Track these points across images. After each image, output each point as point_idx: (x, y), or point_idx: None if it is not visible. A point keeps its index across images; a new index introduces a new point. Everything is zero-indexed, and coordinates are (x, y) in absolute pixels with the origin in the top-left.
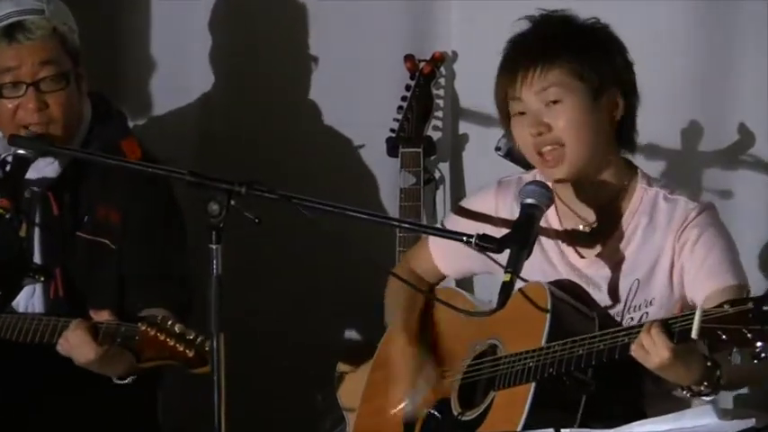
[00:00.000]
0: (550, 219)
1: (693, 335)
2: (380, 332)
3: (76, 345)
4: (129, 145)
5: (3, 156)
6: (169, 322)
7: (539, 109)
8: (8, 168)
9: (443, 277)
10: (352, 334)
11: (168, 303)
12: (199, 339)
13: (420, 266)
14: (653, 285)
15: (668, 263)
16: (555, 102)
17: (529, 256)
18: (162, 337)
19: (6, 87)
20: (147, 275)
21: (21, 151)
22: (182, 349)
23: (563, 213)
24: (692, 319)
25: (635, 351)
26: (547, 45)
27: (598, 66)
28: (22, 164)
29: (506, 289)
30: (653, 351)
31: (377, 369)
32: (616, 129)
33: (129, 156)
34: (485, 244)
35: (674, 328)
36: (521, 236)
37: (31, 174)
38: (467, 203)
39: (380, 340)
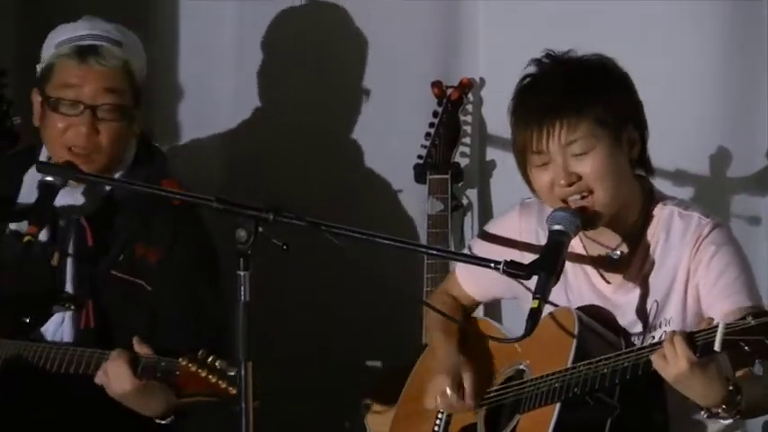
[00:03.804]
0: (575, 246)
1: (716, 347)
2: (408, 359)
3: (114, 375)
4: (169, 184)
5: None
6: (209, 358)
7: (564, 160)
8: (36, 196)
9: (476, 302)
10: (379, 362)
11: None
12: None
13: (453, 291)
14: (670, 304)
15: (683, 280)
16: (583, 152)
17: (557, 282)
18: (203, 374)
19: (64, 104)
20: (182, 321)
21: (48, 178)
22: (224, 386)
23: (588, 242)
24: (715, 332)
25: (655, 361)
26: (569, 97)
27: (617, 108)
28: (50, 191)
29: (534, 315)
30: (672, 361)
31: (415, 383)
32: (634, 162)
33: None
34: (513, 270)
35: (697, 341)
36: (549, 262)
37: (65, 200)
38: (491, 228)
39: (419, 359)
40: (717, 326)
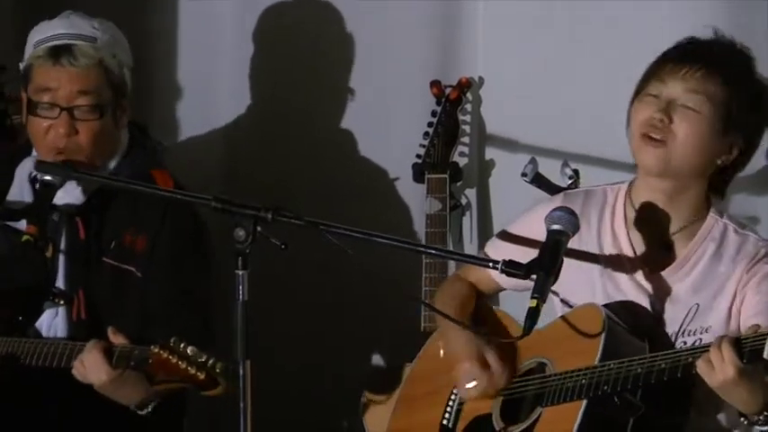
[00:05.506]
0: (620, 236)
1: (766, 355)
2: (406, 357)
3: (90, 367)
4: (160, 174)
5: (34, 173)
6: (181, 345)
7: (673, 103)
8: (35, 195)
9: (499, 288)
10: (377, 361)
11: (189, 335)
12: (210, 362)
13: (475, 275)
14: (712, 313)
15: (731, 293)
16: (692, 108)
17: (555, 282)
18: (174, 360)
19: (42, 107)
20: (170, 306)
21: (47, 177)
22: (193, 372)
23: (637, 229)
24: (765, 339)
25: (700, 366)
26: (722, 61)
27: (744, 112)
28: (49, 190)
29: (533, 315)
30: (719, 367)
31: (423, 364)
32: (717, 170)
33: (160, 185)
34: (511, 270)
35: (744, 347)
36: (548, 262)
37: (60, 198)
38: (531, 213)
39: (428, 340)
40: (765, 334)
